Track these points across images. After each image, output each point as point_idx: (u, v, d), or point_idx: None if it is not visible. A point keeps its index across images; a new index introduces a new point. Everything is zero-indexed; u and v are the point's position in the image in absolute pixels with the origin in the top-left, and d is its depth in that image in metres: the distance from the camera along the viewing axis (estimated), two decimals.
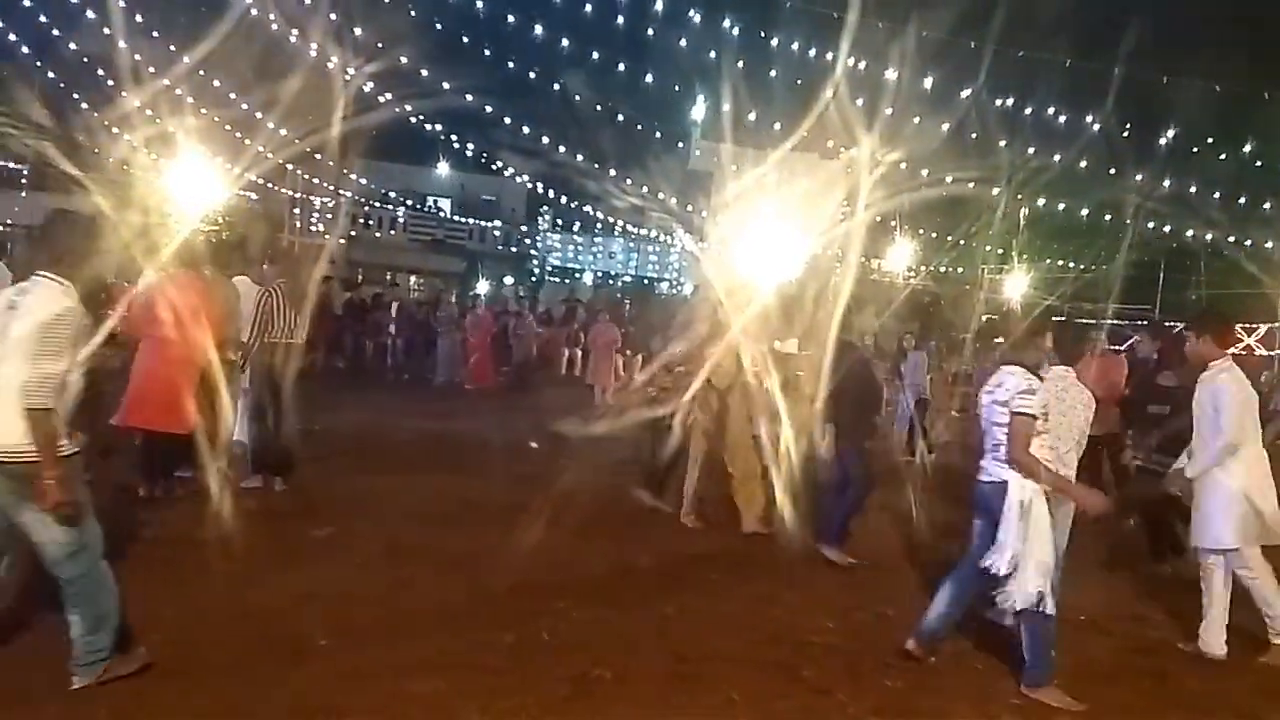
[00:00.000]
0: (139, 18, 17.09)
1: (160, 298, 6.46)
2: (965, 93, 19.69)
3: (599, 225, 40.84)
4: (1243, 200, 22.91)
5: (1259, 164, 22.84)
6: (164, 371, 6.52)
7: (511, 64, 22.34)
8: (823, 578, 6.24)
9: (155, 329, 6.51)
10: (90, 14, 17.52)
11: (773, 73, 20.66)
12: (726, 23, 19.87)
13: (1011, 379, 4.56)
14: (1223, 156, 22.76)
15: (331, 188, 27.50)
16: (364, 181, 30.76)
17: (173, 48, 16.63)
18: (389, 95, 20.24)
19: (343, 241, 23.53)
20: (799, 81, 19.83)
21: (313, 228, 28.35)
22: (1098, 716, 4.37)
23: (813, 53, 19.57)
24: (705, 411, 7.42)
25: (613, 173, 26.30)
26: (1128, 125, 21.08)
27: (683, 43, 20.48)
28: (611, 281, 41.05)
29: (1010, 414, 4.46)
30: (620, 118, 25.65)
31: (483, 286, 33.81)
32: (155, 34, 17.66)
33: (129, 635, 3.84)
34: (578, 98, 24.11)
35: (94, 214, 4.03)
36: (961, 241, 27.94)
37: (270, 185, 24.13)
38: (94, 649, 3.67)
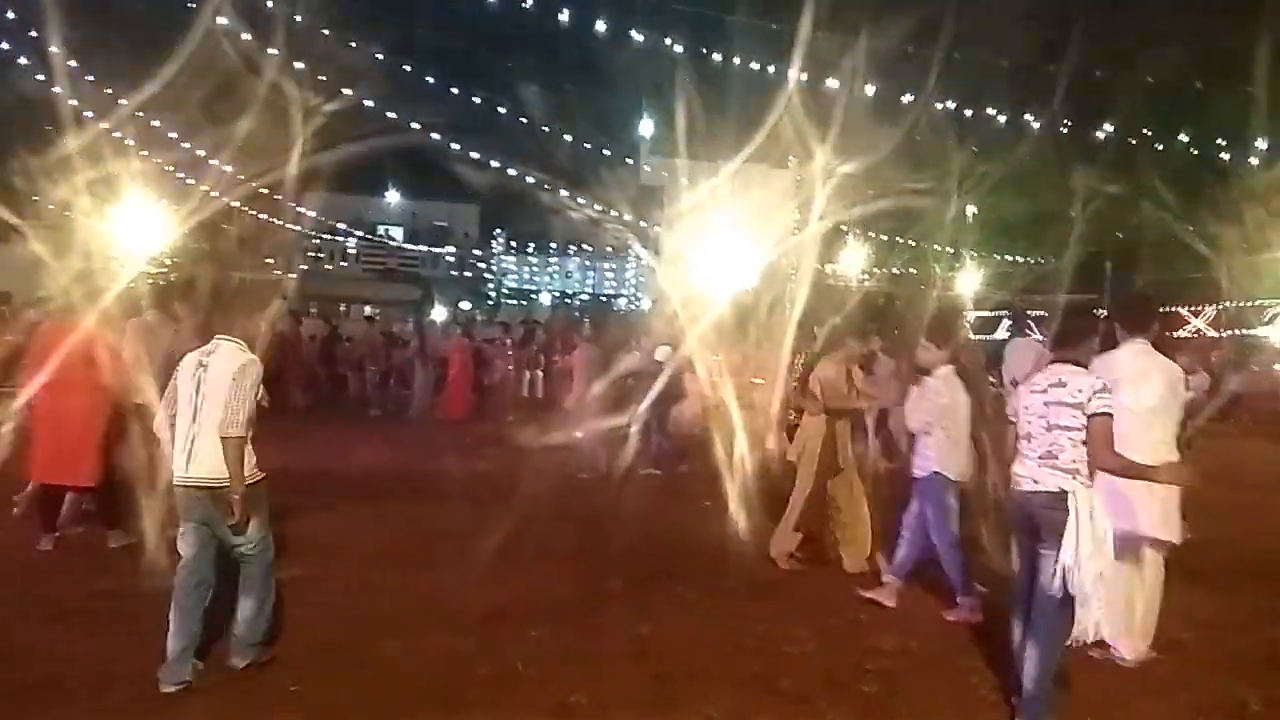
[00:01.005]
0: (74, 62, 16.84)
1: (56, 343, 6.30)
2: (911, 99, 20.00)
3: (554, 245, 40.93)
4: (1181, 186, 23.47)
5: (1195, 152, 23.45)
6: (64, 420, 6.40)
7: (457, 89, 22.33)
8: (796, 587, 6.26)
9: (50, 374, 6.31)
10: (23, 60, 17.26)
11: (720, 86, 20.83)
12: (670, 39, 20.01)
13: (1077, 378, 4.22)
14: (1159, 147, 23.34)
15: (282, 224, 27.25)
16: (313, 214, 30.52)
17: (109, 91, 16.40)
18: (338, 127, 20.12)
19: (294, 276, 23.30)
20: (747, 94, 20.02)
21: (264, 262, 28.04)
22: None
23: (756, 65, 19.76)
24: (814, 440, 6.76)
25: (565, 191, 26.37)
26: (1067, 121, 21.52)
27: (628, 59, 20.59)
28: (569, 300, 41.09)
29: (1088, 416, 4.12)
30: (570, 136, 25.74)
31: (439, 313, 33.65)
32: (93, 76, 17.42)
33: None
34: (524, 120, 24.16)
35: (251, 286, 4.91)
36: (914, 243, 28.33)
37: (220, 225, 23.86)
38: (257, 632, 4.58)
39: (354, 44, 19.42)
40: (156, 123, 17.49)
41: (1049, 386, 4.28)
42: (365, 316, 22.58)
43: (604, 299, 41.17)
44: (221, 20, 14.70)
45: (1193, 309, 25.15)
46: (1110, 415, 4.10)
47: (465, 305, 41.50)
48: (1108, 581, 4.06)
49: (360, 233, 37.76)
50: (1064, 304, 5.27)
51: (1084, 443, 4.13)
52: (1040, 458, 4.25)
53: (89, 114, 13.35)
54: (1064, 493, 4.12)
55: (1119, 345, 5.12)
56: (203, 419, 4.36)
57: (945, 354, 5.77)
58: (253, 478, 4.44)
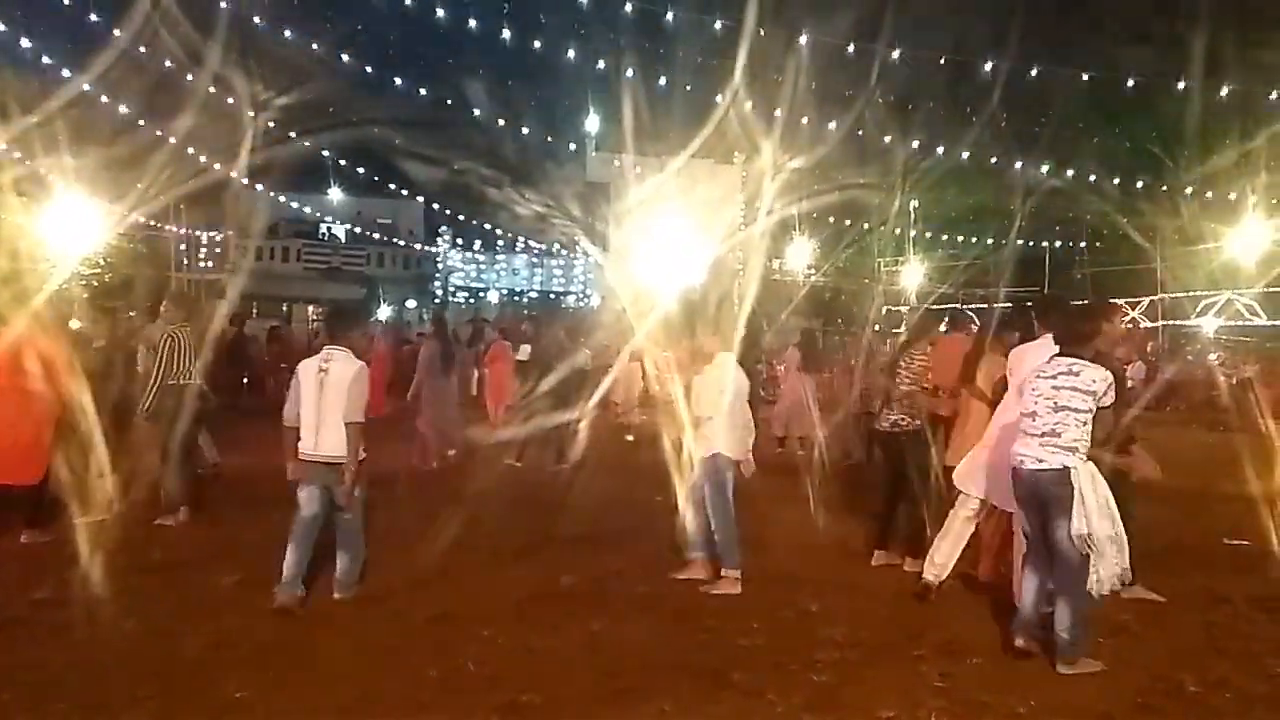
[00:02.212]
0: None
1: None
2: (854, 95, 20.19)
3: (501, 242, 40.63)
4: (1118, 181, 24.02)
5: (1129, 145, 24.00)
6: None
7: (400, 83, 22.03)
8: (747, 581, 6.26)
9: None
10: None
11: (665, 82, 20.83)
12: (616, 36, 19.98)
13: (1090, 371, 4.69)
14: (1096, 140, 23.85)
15: (223, 225, 26.71)
16: (253, 211, 29.92)
17: (37, 82, 15.91)
18: (280, 125, 19.77)
19: (234, 275, 22.87)
20: (692, 90, 20.07)
21: (201, 264, 27.50)
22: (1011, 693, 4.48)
23: (701, 60, 19.80)
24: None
25: (511, 188, 26.20)
26: (1006, 117, 21.90)
27: (574, 55, 20.50)
28: (517, 298, 40.83)
29: (1099, 408, 4.68)
30: (516, 132, 25.57)
31: (384, 312, 33.27)
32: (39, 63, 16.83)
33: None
34: (470, 116, 23.96)
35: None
36: (858, 238, 28.62)
37: (155, 224, 23.27)
38: (353, 574, 5.73)
39: (294, 38, 19.05)
40: (90, 117, 17.00)
41: (1059, 374, 4.74)
42: (315, 316, 22.24)
43: (552, 296, 40.95)
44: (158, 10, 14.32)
45: (1130, 301, 25.75)
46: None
47: (411, 304, 41.10)
48: (1117, 539, 4.60)
49: (303, 230, 37.19)
50: (1073, 310, 5.52)
51: (1084, 424, 4.65)
52: (1043, 435, 4.72)
53: (14, 107, 12.91)
54: (1067, 469, 4.63)
55: (1036, 338, 5.65)
56: (325, 410, 5.46)
57: (723, 342, 6.30)
58: (360, 457, 5.52)
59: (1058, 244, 28.25)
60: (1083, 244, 27.39)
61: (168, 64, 16.20)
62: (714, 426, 6.09)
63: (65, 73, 15.77)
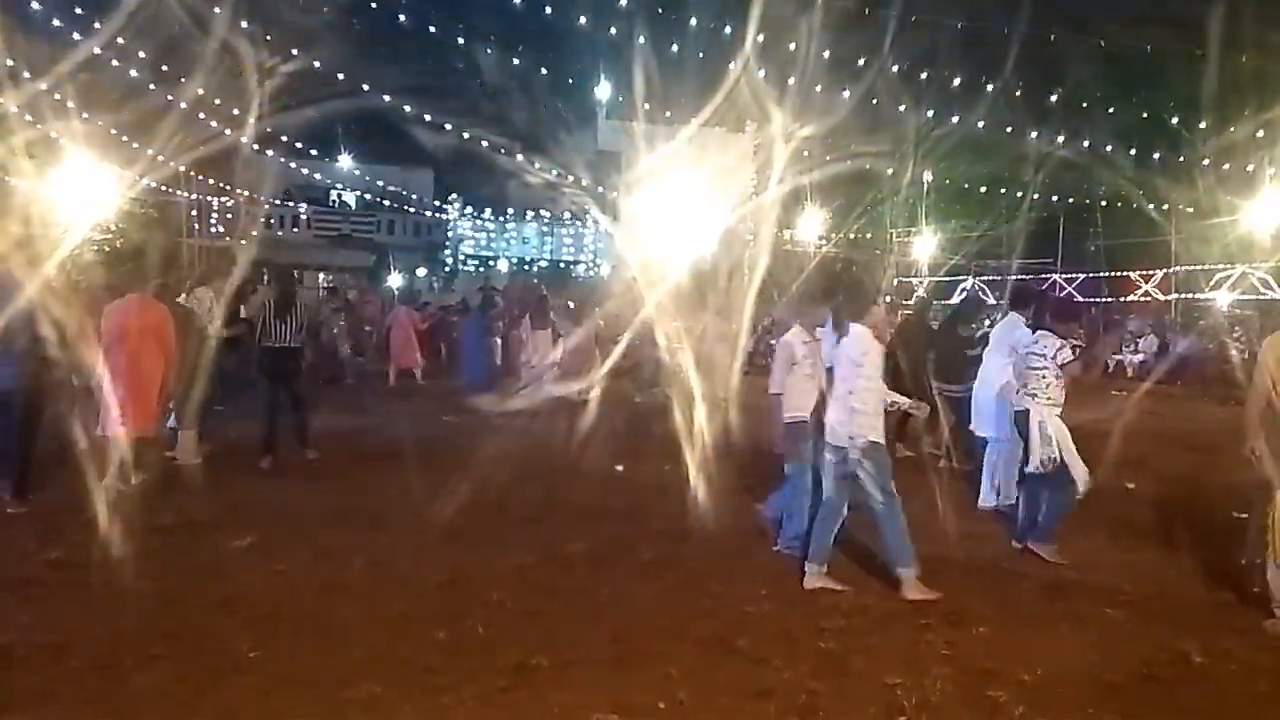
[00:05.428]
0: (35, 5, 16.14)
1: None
2: (866, 63, 19.96)
3: (510, 211, 40.48)
4: (1134, 152, 23.74)
5: (1145, 116, 23.69)
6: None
7: (411, 49, 21.90)
8: (753, 550, 6.30)
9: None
10: None
11: (677, 49, 20.63)
12: (626, 2, 19.74)
13: (1046, 339, 6.19)
14: (1111, 111, 23.55)
15: (234, 190, 26.65)
16: (264, 178, 29.85)
17: (48, 49, 15.83)
18: (289, 90, 19.62)
19: (243, 242, 22.87)
20: (704, 58, 19.87)
21: (213, 229, 27.48)
22: (1024, 661, 4.51)
23: (713, 27, 19.60)
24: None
25: (521, 156, 26.05)
26: (1021, 86, 21.62)
27: (584, 22, 20.30)
28: (527, 267, 40.70)
29: (1059, 366, 6.12)
30: (526, 100, 25.39)
31: (395, 279, 33.26)
32: (45, 29, 16.74)
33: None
34: (479, 83, 23.79)
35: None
36: (870, 208, 28.41)
37: (167, 189, 23.23)
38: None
39: (303, 3, 18.91)
40: (100, 83, 16.93)
41: (1032, 344, 6.31)
42: (324, 285, 22.26)
43: (563, 265, 40.83)
44: None
45: (1143, 273, 25.57)
46: (1071, 360, 6.19)
47: (421, 272, 41.06)
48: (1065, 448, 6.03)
49: (313, 197, 37.08)
50: (1052, 303, 7.06)
51: (1043, 378, 6.17)
52: (1020, 388, 6.37)
53: (25, 73, 12.86)
54: (1027, 411, 6.19)
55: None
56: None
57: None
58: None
59: (1071, 215, 27.98)
60: (1097, 215, 27.10)
61: (177, 28, 16.08)
62: (872, 406, 5.41)
63: (75, 35, 15.65)
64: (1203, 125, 22.32)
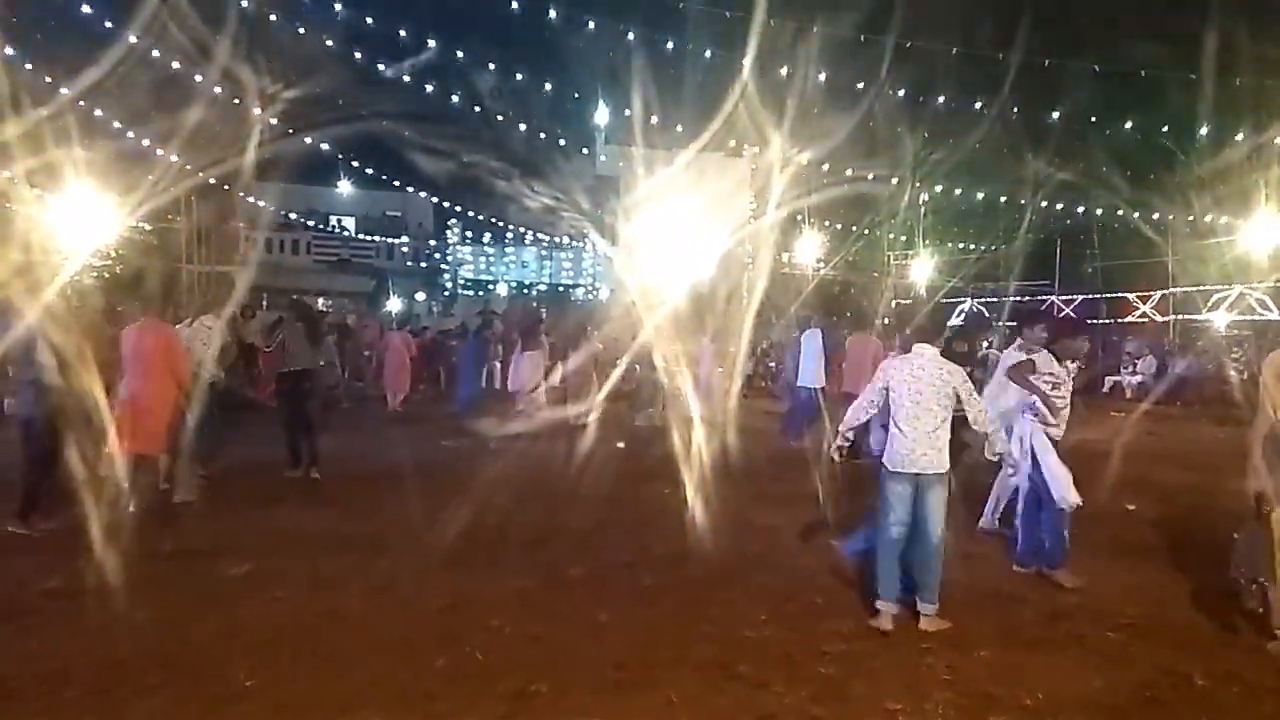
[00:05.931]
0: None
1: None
2: (864, 87, 20.10)
3: (510, 235, 40.62)
4: (1130, 173, 23.86)
5: (1140, 137, 23.83)
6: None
7: (410, 78, 22.03)
8: (753, 574, 6.28)
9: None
10: None
11: (675, 74, 20.77)
12: (625, 28, 19.91)
13: (1044, 358, 6.31)
14: (1108, 133, 23.68)
15: (234, 216, 26.71)
16: (263, 204, 30.00)
17: (49, 79, 15.95)
18: (289, 119, 19.74)
19: (243, 267, 22.92)
20: (702, 83, 20.00)
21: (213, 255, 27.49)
22: (1020, 679, 4.49)
23: (711, 53, 19.74)
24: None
25: (520, 181, 26.16)
26: (1017, 109, 21.76)
27: (583, 48, 20.47)
28: (526, 291, 40.80)
29: (1054, 385, 6.24)
30: (525, 125, 25.54)
31: (394, 304, 33.32)
32: (34, 64, 16.91)
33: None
34: (478, 109, 23.92)
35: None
36: (868, 231, 28.52)
37: (168, 216, 23.29)
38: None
39: (304, 31, 19.06)
40: (99, 111, 17.04)
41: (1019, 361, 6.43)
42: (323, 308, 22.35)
43: (561, 289, 40.90)
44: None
45: (1140, 295, 25.63)
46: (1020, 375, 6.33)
47: (420, 296, 41.15)
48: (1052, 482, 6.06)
49: (313, 222, 37.22)
50: (1054, 322, 7.21)
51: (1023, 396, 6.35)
52: (1016, 407, 6.53)
53: (26, 101, 12.94)
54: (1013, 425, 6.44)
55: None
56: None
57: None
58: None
59: (1068, 237, 28.08)
60: (1094, 237, 27.21)
61: (175, 57, 16.20)
62: (944, 432, 5.23)
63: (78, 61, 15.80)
64: (1198, 147, 22.44)
